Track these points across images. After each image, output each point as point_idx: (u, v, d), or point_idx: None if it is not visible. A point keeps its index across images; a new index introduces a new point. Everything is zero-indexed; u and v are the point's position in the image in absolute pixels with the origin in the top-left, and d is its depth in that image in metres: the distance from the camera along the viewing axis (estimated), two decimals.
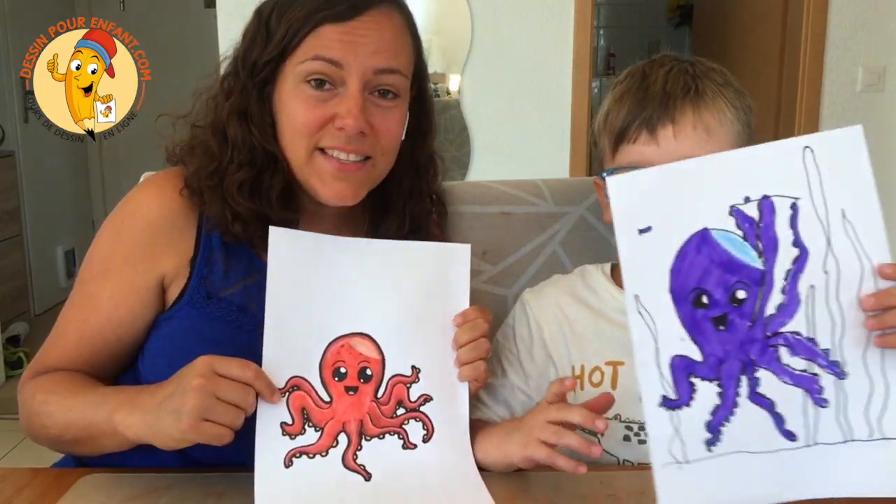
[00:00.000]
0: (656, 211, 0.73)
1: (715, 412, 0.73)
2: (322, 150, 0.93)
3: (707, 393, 0.73)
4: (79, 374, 0.93)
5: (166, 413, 0.78)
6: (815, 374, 0.73)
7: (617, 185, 0.73)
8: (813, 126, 2.72)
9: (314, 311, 0.89)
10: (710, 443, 0.73)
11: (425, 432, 0.89)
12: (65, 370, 0.94)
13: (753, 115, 0.95)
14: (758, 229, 0.72)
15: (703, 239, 0.72)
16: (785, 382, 0.73)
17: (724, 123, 0.91)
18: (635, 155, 0.92)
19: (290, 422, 0.85)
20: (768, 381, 0.73)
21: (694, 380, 0.73)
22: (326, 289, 0.91)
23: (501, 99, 2.74)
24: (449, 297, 0.93)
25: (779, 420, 0.74)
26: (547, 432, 0.81)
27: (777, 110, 2.86)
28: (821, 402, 0.74)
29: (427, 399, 0.90)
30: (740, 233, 0.73)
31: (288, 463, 0.84)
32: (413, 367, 0.90)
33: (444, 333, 0.92)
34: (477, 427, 0.94)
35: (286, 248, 0.90)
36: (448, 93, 2.85)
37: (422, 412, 0.89)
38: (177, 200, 0.96)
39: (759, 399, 0.73)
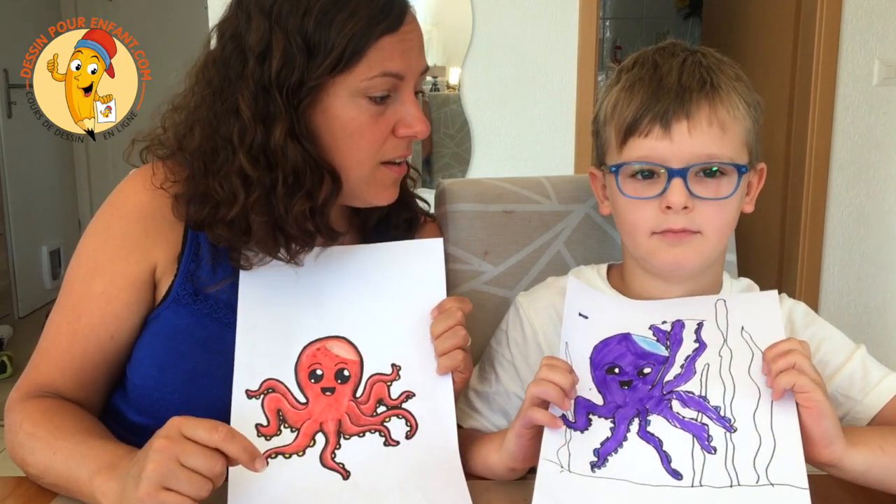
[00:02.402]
0: (596, 310, 0.92)
1: (604, 443, 0.83)
2: (383, 161, 0.95)
3: (601, 427, 0.84)
4: (70, 408, 0.91)
5: (131, 479, 0.75)
6: (705, 424, 0.82)
7: (574, 285, 0.94)
8: (827, 122, 2.72)
9: (287, 317, 0.93)
10: (595, 465, 0.82)
11: (408, 429, 0.90)
12: (58, 395, 0.93)
13: (762, 112, 0.95)
14: (668, 336, 0.89)
15: (624, 337, 0.90)
16: (674, 426, 0.83)
17: (737, 119, 0.90)
18: (647, 150, 0.90)
19: (265, 423, 0.88)
20: (658, 423, 0.83)
21: (592, 416, 0.85)
22: (300, 296, 0.94)
23: (503, 93, 2.74)
24: (425, 293, 0.96)
25: (665, 458, 0.81)
26: (531, 388, 0.83)
27: (790, 105, 2.86)
28: (709, 449, 0.81)
29: (409, 395, 0.91)
30: (655, 338, 0.89)
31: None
32: (393, 365, 0.92)
33: (423, 329, 0.94)
34: (475, 436, 0.94)
35: (258, 266, 0.94)
36: (448, 87, 2.85)
37: (404, 409, 0.91)
38: (166, 192, 0.96)
39: (647, 436, 0.83)
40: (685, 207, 0.89)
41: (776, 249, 2.96)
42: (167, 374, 0.93)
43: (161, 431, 0.75)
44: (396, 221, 1.07)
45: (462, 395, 1.02)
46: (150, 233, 0.95)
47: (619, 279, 1.01)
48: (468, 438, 0.94)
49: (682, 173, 0.88)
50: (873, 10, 2.67)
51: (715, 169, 0.89)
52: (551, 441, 0.84)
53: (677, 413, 0.83)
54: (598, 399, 0.86)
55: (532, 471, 0.92)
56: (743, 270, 1.13)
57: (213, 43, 0.95)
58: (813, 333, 0.95)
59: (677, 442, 0.81)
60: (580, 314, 0.91)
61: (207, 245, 0.96)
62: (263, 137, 0.89)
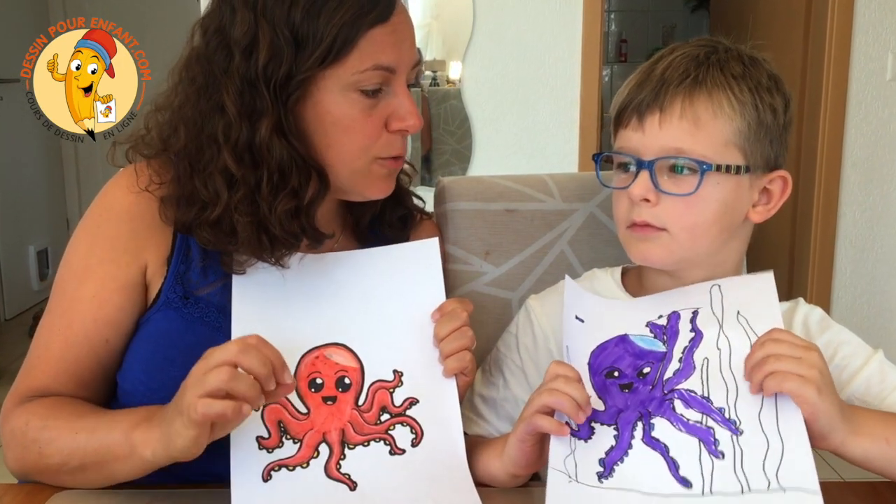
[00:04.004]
0: (591, 312, 0.92)
1: (609, 452, 0.83)
2: (377, 157, 0.95)
3: (604, 435, 0.84)
4: (76, 399, 0.92)
5: (172, 414, 0.79)
6: (710, 427, 0.82)
7: (570, 288, 0.95)
8: (839, 119, 2.72)
9: (283, 325, 0.92)
10: (602, 476, 0.82)
11: (414, 436, 0.90)
12: (56, 395, 0.92)
13: (782, 115, 0.93)
14: (665, 330, 0.89)
15: (622, 339, 0.90)
16: (679, 430, 0.82)
17: (719, 117, 0.89)
18: (624, 141, 0.93)
19: (266, 435, 0.87)
20: (663, 427, 0.83)
21: (594, 424, 0.85)
22: (296, 305, 0.94)
23: (505, 88, 2.74)
24: (424, 295, 0.96)
25: (673, 465, 0.81)
26: (541, 396, 0.83)
27: (800, 102, 2.86)
28: (716, 454, 0.80)
29: (413, 402, 0.91)
30: (652, 335, 0.89)
31: (266, 477, 0.86)
32: (395, 372, 0.93)
33: (424, 333, 0.94)
34: (477, 443, 0.94)
35: (251, 272, 0.94)
36: (448, 81, 2.86)
37: (408, 416, 0.91)
38: (152, 195, 0.96)
39: (653, 442, 0.83)
40: (647, 200, 0.89)
41: (787, 250, 2.96)
42: (156, 379, 0.93)
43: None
44: (390, 219, 1.07)
45: (466, 401, 1.02)
46: (139, 234, 0.95)
47: (637, 280, 1.01)
48: (469, 445, 0.93)
49: (648, 165, 0.89)
50: (886, 2, 2.67)
51: (681, 165, 0.89)
52: (558, 450, 0.84)
53: (681, 415, 0.83)
54: (598, 405, 0.86)
55: (534, 477, 0.92)
56: (752, 271, 1.12)
57: (197, 39, 0.94)
58: (829, 339, 0.95)
59: (684, 447, 0.81)
60: (577, 317, 0.91)
61: (197, 246, 0.96)
62: (249, 134, 0.89)
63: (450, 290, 1.11)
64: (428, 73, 2.90)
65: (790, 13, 2.96)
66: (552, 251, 1.18)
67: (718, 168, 0.89)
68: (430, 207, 1.19)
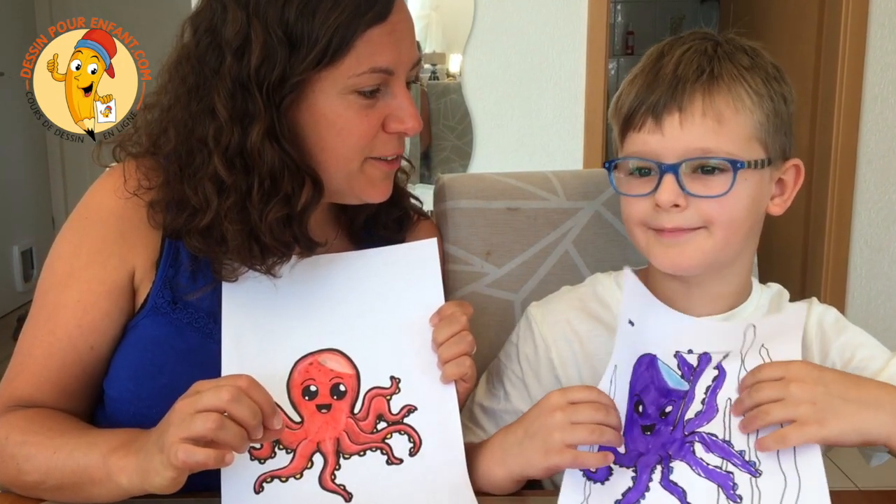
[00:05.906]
0: (642, 317, 0.90)
1: (626, 493, 0.84)
2: (371, 156, 0.95)
3: (622, 477, 0.85)
4: (59, 413, 0.92)
5: (152, 445, 0.78)
6: (730, 472, 0.83)
7: (631, 285, 0.92)
8: (854, 114, 2.72)
9: (276, 331, 0.92)
10: None
11: (412, 445, 0.90)
12: (39, 407, 0.92)
13: (791, 103, 0.94)
14: (693, 371, 0.88)
15: (651, 362, 0.89)
16: (698, 475, 0.83)
17: (740, 112, 0.89)
18: (640, 145, 0.91)
19: (258, 446, 0.87)
20: (682, 471, 0.83)
21: (613, 465, 0.85)
22: (289, 308, 0.94)
23: (507, 82, 2.74)
24: (422, 298, 0.95)
25: None
26: (578, 432, 0.82)
27: (814, 96, 2.86)
28: (734, 498, 0.81)
29: (411, 409, 0.91)
30: (679, 372, 0.88)
31: (258, 489, 0.86)
32: (392, 378, 0.92)
33: (422, 337, 0.93)
34: (475, 447, 0.94)
35: (242, 277, 0.93)
36: (448, 75, 2.85)
37: (406, 424, 0.91)
38: (140, 199, 0.95)
39: (671, 486, 0.83)
40: (676, 206, 0.89)
41: (799, 250, 2.96)
42: (144, 387, 0.93)
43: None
44: (386, 221, 1.07)
45: (465, 409, 1.02)
46: (126, 236, 0.95)
47: (643, 284, 1.01)
48: (466, 449, 0.93)
49: (673, 169, 0.88)
50: None
51: (712, 165, 0.88)
52: (570, 497, 0.83)
53: (701, 459, 0.83)
54: (620, 447, 0.86)
55: (529, 484, 0.92)
56: (764, 273, 1.12)
57: (187, 36, 0.94)
58: (847, 340, 0.95)
59: (702, 492, 0.82)
60: (630, 321, 0.89)
61: (187, 249, 0.96)
62: (240, 139, 0.88)
63: (449, 291, 1.11)
64: (427, 66, 2.90)
65: (803, 4, 2.96)
66: (556, 251, 1.18)
67: (749, 164, 0.89)
68: (429, 205, 1.18)
